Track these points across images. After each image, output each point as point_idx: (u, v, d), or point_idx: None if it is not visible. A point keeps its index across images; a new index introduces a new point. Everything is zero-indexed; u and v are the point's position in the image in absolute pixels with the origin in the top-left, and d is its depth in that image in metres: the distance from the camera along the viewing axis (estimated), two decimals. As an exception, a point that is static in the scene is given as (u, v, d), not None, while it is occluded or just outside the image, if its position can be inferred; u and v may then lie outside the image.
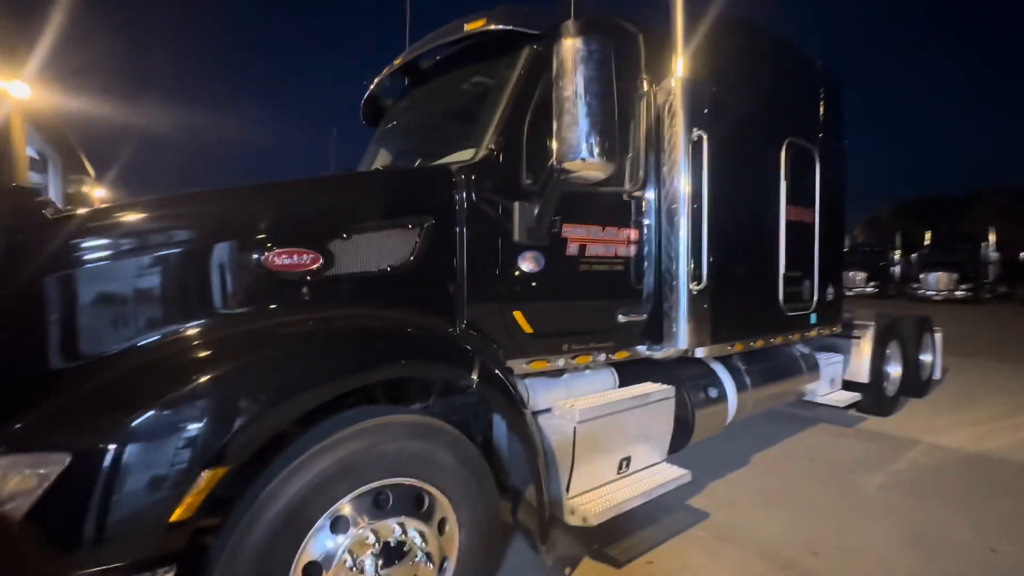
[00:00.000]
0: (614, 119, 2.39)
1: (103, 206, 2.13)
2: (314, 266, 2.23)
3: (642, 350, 3.51)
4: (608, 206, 3.28)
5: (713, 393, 3.88)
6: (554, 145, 2.42)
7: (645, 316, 3.46)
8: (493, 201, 2.73)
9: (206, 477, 1.68)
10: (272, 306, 2.13)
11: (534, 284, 2.89)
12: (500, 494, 2.55)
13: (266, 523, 1.82)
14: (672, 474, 3.27)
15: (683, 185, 3.37)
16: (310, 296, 2.23)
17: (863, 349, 5.77)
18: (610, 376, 3.51)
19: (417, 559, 2.10)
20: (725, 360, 4.19)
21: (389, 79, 3.88)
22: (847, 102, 5.19)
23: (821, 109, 4.88)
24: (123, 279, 1.87)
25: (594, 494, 2.95)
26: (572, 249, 3.04)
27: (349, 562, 1.96)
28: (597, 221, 3.17)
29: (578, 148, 2.32)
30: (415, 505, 2.17)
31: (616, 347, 3.35)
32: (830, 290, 5.03)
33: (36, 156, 9.97)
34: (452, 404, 2.71)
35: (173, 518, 1.63)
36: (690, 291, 3.42)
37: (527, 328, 2.90)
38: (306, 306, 2.19)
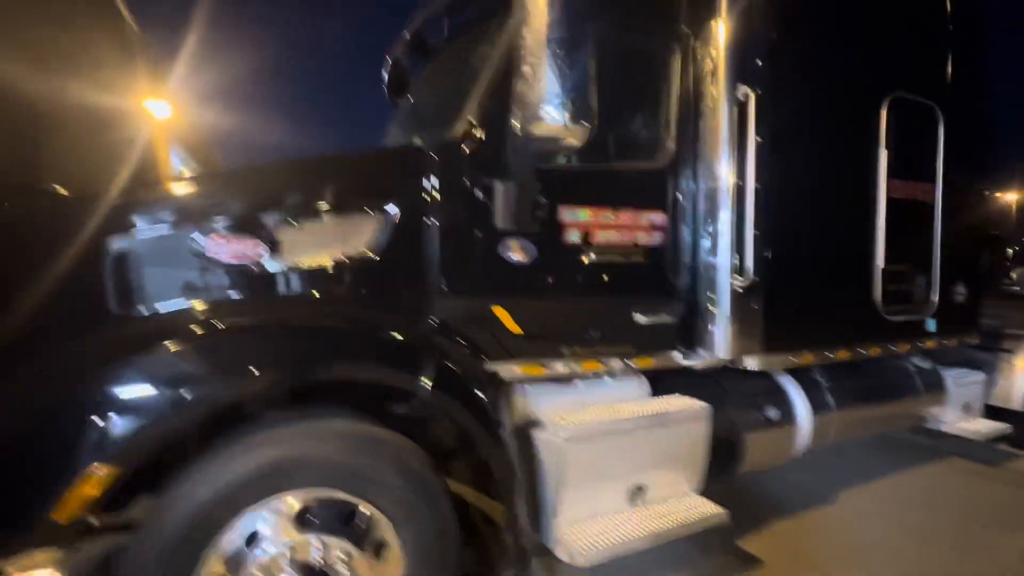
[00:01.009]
0: (589, 73, 1.92)
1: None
2: (257, 255, 2.09)
3: (675, 357, 2.93)
4: (625, 185, 2.77)
5: (773, 413, 3.15)
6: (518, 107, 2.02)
7: (676, 317, 2.88)
8: (471, 182, 2.38)
9: (94, 477, 1.58)
10: (207, 297, 2.01)
11: (522, 277, 2.50)
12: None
13: (169, 530, 1.69)
14: (702, 511, 2.67)
15: (725, 158, 2.73)
16: (252, 287, 2.09)
17: (1017, 367, 4.43)
18: (637, 386, 2.99)
19: (339, 582, 1.86)
20: (799, 373, 3.40)
21: (406, 49, 3.66)
22: (992, 44, 3.96)
23: (948, 54, 3.76)
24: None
25: (592, 526, 2.48)
26: (572, 236, 2.59)
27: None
28: (608, 203, 2.67)
29: (542, 109, 1.90)
30: (343, 523, 1.92)
31: (636, 352, 2.82)
32: (959, 289, 3.89)
33: (181, 169, 11.54)
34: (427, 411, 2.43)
35: (56, 516, 1.56)
36: (733, 288, 2.78)
37: (513, 327, 2.52)
38: (244, 298, 2.05)
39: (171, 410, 1.67)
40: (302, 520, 1.86)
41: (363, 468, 1.93)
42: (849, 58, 3.27)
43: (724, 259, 2.78)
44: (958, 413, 4.26)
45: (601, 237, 2.65)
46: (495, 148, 2.41)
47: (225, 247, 2.04)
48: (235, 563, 1.77)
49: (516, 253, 2.47)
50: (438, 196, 2.34)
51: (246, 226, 2.08)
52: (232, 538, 1.77)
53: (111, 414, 1.63)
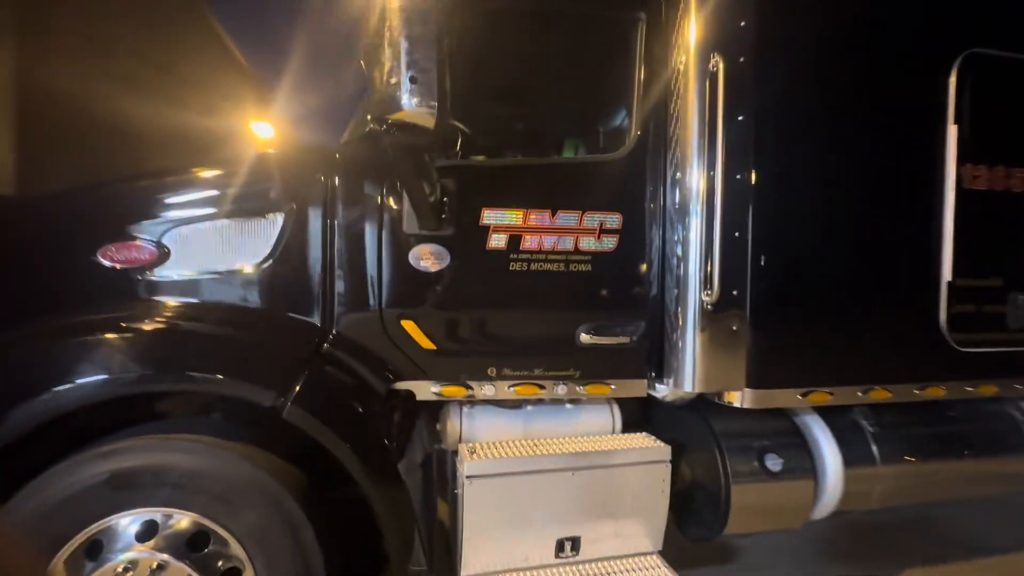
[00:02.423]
0: (435, 53, 1.61)
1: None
2: (148, 263, 2.08)
3: (636, 386, 2.45)
4: (570, 181, 2.37)
5: (773, 463, 2.49)
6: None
7: (635, 338, 2.40)
8: (373, 184, 2.18)
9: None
10: (94, 304, 2.03)
11: (435, 287, 2.23)
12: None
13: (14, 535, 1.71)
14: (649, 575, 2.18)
15: (695, 145, 2.22)
16: (140, 295, 2.08)
17: None
18: (603, 417, 2.57)
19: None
20: (837, 413, 2.67)
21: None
22: None
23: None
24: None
25: (503, 580, 2.13)
26: (497, 241, 2.26)
27: None
28: (544, 203, 2.29)
29: (389, 97, 1.63)
30: (187, 545, 1.81)
31: (584, 378, 2.40)
32: None
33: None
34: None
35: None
36: (703, 305, 2.24)
37: (425, 343, 2.26)
38: (128, 305, 2.05)
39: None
40: (146, 536, 1.78)
41: (215, 488, 1.81)
42: (890, 6, 2.50)
43: (693, 269, 2.25)
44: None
45: (534, 243, 2.28)
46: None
47: (118, 254, 2.06)
48: (75, 572, 1.74)
49: (426, 261, 2.21)
50: (340, 201, 2.17)
51: (139, 233, 2.08)
52: (71, 547, 1.74)
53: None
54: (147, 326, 1.91)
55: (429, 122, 1.61)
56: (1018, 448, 2.92)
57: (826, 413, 2.71)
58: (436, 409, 2.54)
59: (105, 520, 1.75)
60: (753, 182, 2.26)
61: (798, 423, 2.73)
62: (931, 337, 2.56)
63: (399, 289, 2.22)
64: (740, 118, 2.23)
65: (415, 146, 1.78)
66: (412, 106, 1.59)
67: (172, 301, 2.08)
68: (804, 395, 2.41)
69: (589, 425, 2.56)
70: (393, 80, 1.59)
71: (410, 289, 2.23)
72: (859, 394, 2.50)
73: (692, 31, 2.22)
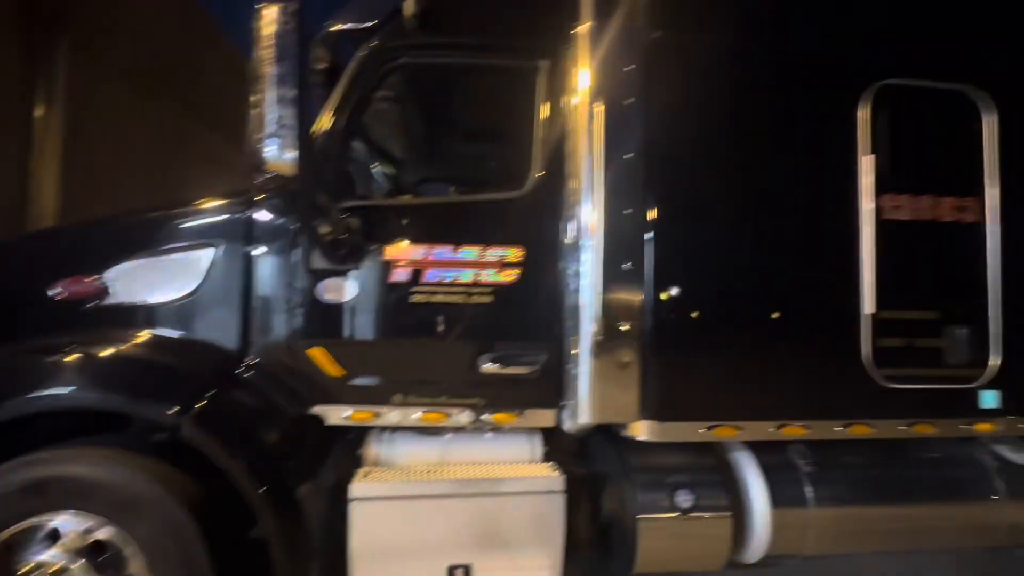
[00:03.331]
0: (293, 105, 1.82)
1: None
2: (92, 295, 2.37)
3: (542, 416, 2.50)
4: (473, 217, 2.51)
5: (684, 500, 2.43)
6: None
7: (537, 368, 2.46)
8: (288, 224, 2.40)
9: None
10: (46, 330, 2.33)
11: (341, 317, 2.40)
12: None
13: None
14: (535, 613, 2.17)
15: (587, 182, 2.31)
16: (86, 322, 2.36)
17: None
18: (525, 445, 2.61)
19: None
20: (770, 449, 2.59)
21: None
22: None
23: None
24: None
25: (391, 605, 2.18)
26: (401, 275, 2.42)
27: None
28: (448, 239, 2.44)
29: (258, 150, 1.85)
30: (89, 550, 1.99)
31: (490, 406, 2.47)
32: None
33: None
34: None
35: None
36: (594, 337, 2.28)
37: (333, 370, 2.41)
38: (70, 333, 2.31)
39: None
40: (52, 541, 1.98)
41: (113, 498, 2.00)
42: (793, 43, 2.54)
43: (586, 302, 2.31)
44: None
45: (436, 276, 2.42)
46: (313, 189, 2.41)
47: (67, 287, 2.36)
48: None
49: (332, 293, 2.39)
50: (257, 239, 2.40)
51: (86, 269, 2.38)
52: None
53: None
54: (72, 351, 2.17)
55: (289, 172, 1.81)
56: (981, 497, 2.70)
57: (761, 450, 2.63)
58: (364, 434, 2.67)
59: (18, 524, 1.97)
60: (645, 217, 2.33)
61: (730, 460, 2.66)
62: (852, 372, 2.46)
63: (307, 319, 2.40)
64: (627, 156, 2.32)
65: (289, 192, 1.98)
66: (274, 158, 1.80)
67: (110, 329, 2.35)
68: (708, 429, 2.37)
69: (507, 454, 2.60)
70: (260, 135, 1.81)
71: (318, 319, 2.40)
72: (771, 430, 2.42)
73: (581, 75, 2.35)
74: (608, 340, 2.28)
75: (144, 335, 2.34)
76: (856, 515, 2.61)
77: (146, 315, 2.38)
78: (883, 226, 2.50)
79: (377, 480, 2.25)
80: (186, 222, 2.45)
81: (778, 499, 2.54)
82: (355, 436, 2.64)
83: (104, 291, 2.37)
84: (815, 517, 2.56)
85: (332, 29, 2.56)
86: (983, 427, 2.56)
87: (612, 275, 2.28)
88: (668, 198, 2.36)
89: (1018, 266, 2.57)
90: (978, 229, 2.58)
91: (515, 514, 2.28)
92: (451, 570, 2.25)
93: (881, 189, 2.51)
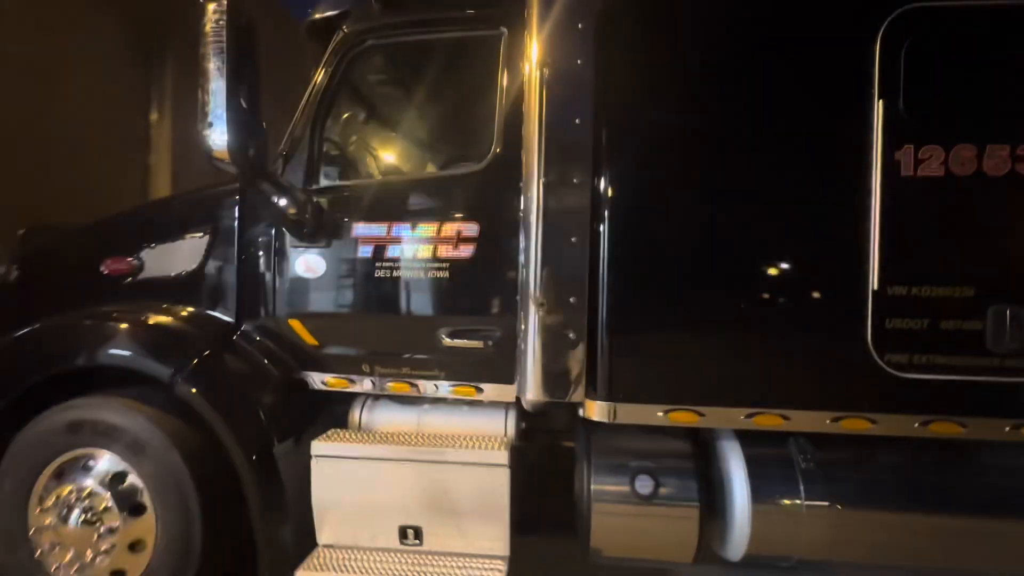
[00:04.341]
0: (234, 103, 1.97)
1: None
2: (130, 271, 2.82)
3: (500, 391, 2.50)
4: (431, 195, 2.55)
5: (644, 487, 2.29)
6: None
7: (489, 343, 2.46)
8: (271, 206, 2.61)
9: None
10: (98, 300, 2.82)
11: (314, 290, 2.60)
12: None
13: (19, 454, 2.49)
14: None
15: (534, 153, 2.23)
16: (127, 294, 2.82)
17: None
18: (499, 420, 2.66)
19: (100, 526, 2.37)
20: (765, 440, 2.35)
21: None
22: None
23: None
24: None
25: (347, 554, 2.37)
26: (364, 251, 2.54)
27: (59, 500, 2.41)
28: (407, 217, 2.51)
29: (202, 137, 2.05)
30: (111, 480, 2.42)
31: (450, 379, 2.53)
32: None
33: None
34: None
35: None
36: (539, 314, 2.22)
37: (309, 339, 2.64)
38: (119, 301, 2.78)
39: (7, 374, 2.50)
40: (86, 471, 2.45)
41: (126, 439, 2.40)
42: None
43: (533, 276, 2.24)
44: None
45: (395, 252, 2.51)
46: (293, 174, 2.62)
47: (110, 265, 2.84)
48: (48, 489, 2.47)
49: (305, 269, 2.59)
50: (246, 221, 2.67)
51: (123, 248, 2.83)
52: (50, 469, 2.47)
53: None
54: (100, 319, 2.62)
55: (226, 158, 1.99)
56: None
57: (753, 441, 2.39)
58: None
59: (65, 454, 2.45)
60: (594, 186, 2.18)
61: (716, 449, 2.46)
62: (849, 357, 2.11)
63: (288, 293, 2.63)
64: (576, 122, 2.18)
65: (251, 178, 2.17)
66: (215, 146, 1.99)
67: (138, 300, 2.78)
68: (665, 412, 2.19)
69: (481, 427, 2.65)
70: (203, 123, 2.02)
71: (296, 293, 2.63)
72: (741, 418, 2.18)
73: (533, 38, 2.24)
74: (553, 316, 2.20)
75: (161, 306, 2.74)
76: (860, 521, 2.27)
77: (165, 288, 2.77)
78: (900, 184, 2.08)
79: (336, 440, 2.44)
80: (190, 210, 2.81)
81: (761, 495, 2.29)
82: (344, 402, 2.86)
83: (138, 268, 2.81)
84: (805, 518, 2.27)
85: (310, 19, 2.72)
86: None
87: (557, 248, 2.19)
88: (620, 165, 2.18)
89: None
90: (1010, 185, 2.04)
91: (461, 484, 2.33)
92: (403, 530, 2.39)
93: (901, 141, 2.08)
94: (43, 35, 5.49)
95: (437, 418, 2.69)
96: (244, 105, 2.05)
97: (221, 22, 1.96)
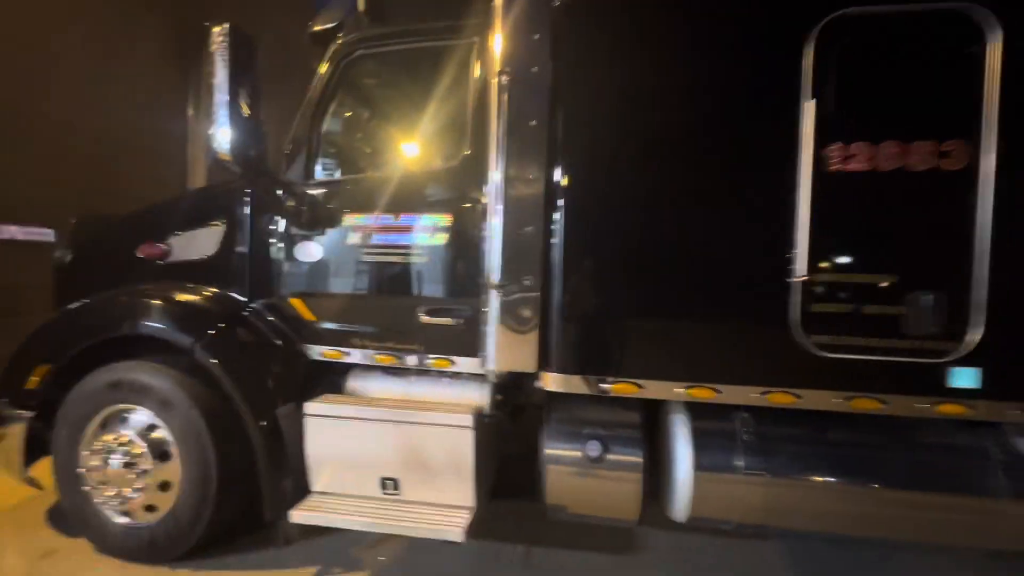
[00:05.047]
0: (235, 112, 2.33)
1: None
2: (160, 255, 3.26)
3: (471, 363, 2.81)
4: (411, 189, 2.85)
5: (592, 450, 2.56)
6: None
7: (461, 320, 2.76)
8: (274, 199, 3.00)
9: (41, 368, 3.00)
10: (137, 280, 3.28)
11: (312, 273, 2.97)
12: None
13: (72, 406, 2.98)
14: (439, 524, 2.56)
15: (496, 149, 2.50)
16: (159, 274, 3.26)
17: None
18: (476, 391, 2.97)
19: (136, 468, 2.83)
20: (713, 413, 2.59)
21: None
22: None
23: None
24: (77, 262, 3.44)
25: (334, 500, 2.75)
26: (355, 238, 2.89)
27: (103, 446, 2.89)
28: (391, 208, 2.83)
29: (209, 139, 2.42)
30: (145, 430, 2.88)
31: (428, 352, 2.86)
32: None
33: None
34: None
35: (27, 386, 3.02)
36: (499, 294, 2.51)
37: (308, 315, 3.01)
38: (153, 281, 3.22)
39: (64, 341, 2.98)
40: (125, 423, 2.91)
41: (157, 397, 2.85)
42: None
43: (495, 260, 2.52)
44: None
45: (381, 239, 2.84)
46: (297, 169, 2.98)
47: (144, 249, 3.29)
48: (95, 436, 2.95)
49: (304, 254, 2.96)
50: (257, 212, 3.05)
51: (155, 235, 3.27)
52: (96, 419, 2.94)
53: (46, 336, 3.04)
54: (135, 295, 3.06)
55: (229, 159, 2.35)
56: (981, 489, 2.35)
57: (701, 414, 2.62)
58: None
59: (108, 408, 2.92)
60: (548, 182, 2.44)
61: (668, 420, 2.70)
62: (776, 337, 2.31)
63: (290, 275, 3.01)
64: (532, 123, 2.44)
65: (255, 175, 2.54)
66: (218, 148, 2.36)
67: (167, 280, 3.22)
68: (609, 383, 2.46)
69: (459, 396, 2.96)
70: (210, 129, 2.38)
71: (297, 275, 3.00)
72: (678, 390, 2.41)
73: (494, 45, 2.50)
74: (511, 296, 2.48)
75: (186, 285, 3.16)
76: (793, 490, 2.47)
77: (190, 270, 3.20)
78: (828, 179, 2.25)
79: (326, 402, 2.81)
80: (209, 202, 3.22)
81: (702, 463, 2.53)
82: (341, 373, 3.23)
83: (166, 253, 3.25)
84: (742, 485, 2.49)
85: (310, 31, 3.05)
86: (951, 408, 2.22)
87: (515, 237, 2.46)
88: (571, 162, 2.43)
89: (1014, 220, 2.11)
90: (966, 178, 2.17)
91: (432, 443, 2.66)
92: (383, 480, 2.75)
93: (829, 138, 2.25)
94: (92, 39, 6.08)
95: (421, 388, 3.02)
96: (246, 113, 2.41)
97: (224, 44, 2.32)
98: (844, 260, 2.26)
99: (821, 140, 2.24)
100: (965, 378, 2.19)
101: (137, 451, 2.86)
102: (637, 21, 2.40)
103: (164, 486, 2.88)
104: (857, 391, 2.28)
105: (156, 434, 2.89)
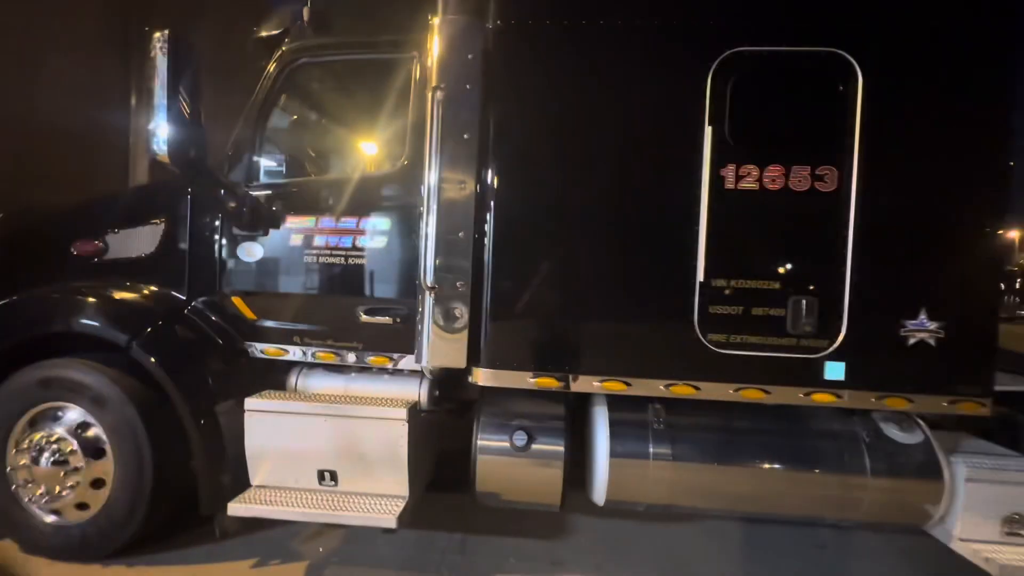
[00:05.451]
0: (174, 114, 2.41)
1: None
2: (96, 253, 3.25)
3: (408, 360, 2.97)
4: (353, 193, 2.98)
5: (519, 440, 2.78)
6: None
7: (397, 319, 2.92)
8: (216, 199, 3.06)
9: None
10: (70, 277, 3.25)
11: (253, 272, 3.05)
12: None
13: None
14: (374, 513, 2.71)
15: (430, 158, 2.67)
16: (94, 272, 3.24)
17: None
18: (414, 387, 3.11)
19: (67, 466, 2.83)
20: (629, 405, 2.83)
21: None
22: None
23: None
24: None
25: (271, 492, 2.85)
26: (296, 240, 2.99)
27: (32, 445, 2.86)
28: (330, 210, 2.96)
29: (151, 142, 2.49)
30: (76, 428, 2.88)
31: (365, 348, 3.00)
32: (913, 322, 2.49)
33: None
34: None
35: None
36: (431, 295, 2.68)
37: (249, 314, 3.09)
38: (87, 278, 3.20)
39: None
40: (55, 421, 2.90)
41: (91, 394, 2.85)
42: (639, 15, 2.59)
43: (428, 263, 2.70)
44: (989, 526, 2.68)
45: (321, 241, 2.96)
46: (237, 171, 3.05)
47: (80, 246, 3.26)
48: (23, 435, 2.91)
49: (246, 253, 3.04)
50: (198, 210, 3.10)
51: (91, 232, 3.25)
52: (25, 418, 2.91)
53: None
54: (68, 292, 3.05)
55: (167, 160, 2.43)
56: (850, 469, 2.70)
57: (620, 406, 2.88)
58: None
59: (37, 407, 2.90)
60: (476, 192, 2.64)
61: (590, 412, 2.94)
62: (679, 336, 2.59)
63: (232, 274, 3.08)
64: (465, 136, 2.63)
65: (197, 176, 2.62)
66: (157, 149, 2.43)
67: (104, 278, 3.20)
68: (532, 377, 2.68)
69: (398, 393, 3.10)
70: (149, 130, 2.45)
71: (239, 274, 3.07)
72: (594, 384, 2.66)
73: (432, 63, 2.68)
74: (443, 297, 2.66)
75: (123, 283, 3.16)
76: (697, 474, 2.77)
77: (128, 268, 3.20)
78: (724, 196, 2.55)
79: (266, 398, 2.90)
80: (150, 199, 3.24)
81: (617, 450, 2.79)
82: (285, 371, 3.31)
83: (103, 250, 3.24)
84: (653, 470, 2.77)
85: (255, 37, 3.14)
86: (823, 397, 2.57)
87: (447, 242, 2.65)
88: (499, 174, 2.64)
89: (874, 236, 2.48)
90: (837, 198, 2.52)
91: (368, 436, 2.80)
92: (321, 473, 2.86)
93: (725, 160, 2.55)
94: (25, 24, 5.83)
95: (362, 384, 3.15)
96: (186, 115, 2.48)
97: (164, 49, 2.39)
98: (736, 267, 2.57)
99: (719, 161, 2.55)
100: (833, 371, 2.54)
101: (68, 449, 2.86)
102: (563, 48, 2.63)
103: (97, 483, 2.88)
104: (745, 382, 2.59)
105: (89, 432, 2.89)
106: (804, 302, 2.53)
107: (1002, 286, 2.71)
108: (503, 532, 3.33)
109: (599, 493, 2.86)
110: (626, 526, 3.46)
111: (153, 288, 3.16)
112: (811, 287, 2.54)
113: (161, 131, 2.43)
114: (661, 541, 3.38)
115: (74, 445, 2.86)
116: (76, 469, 2.85)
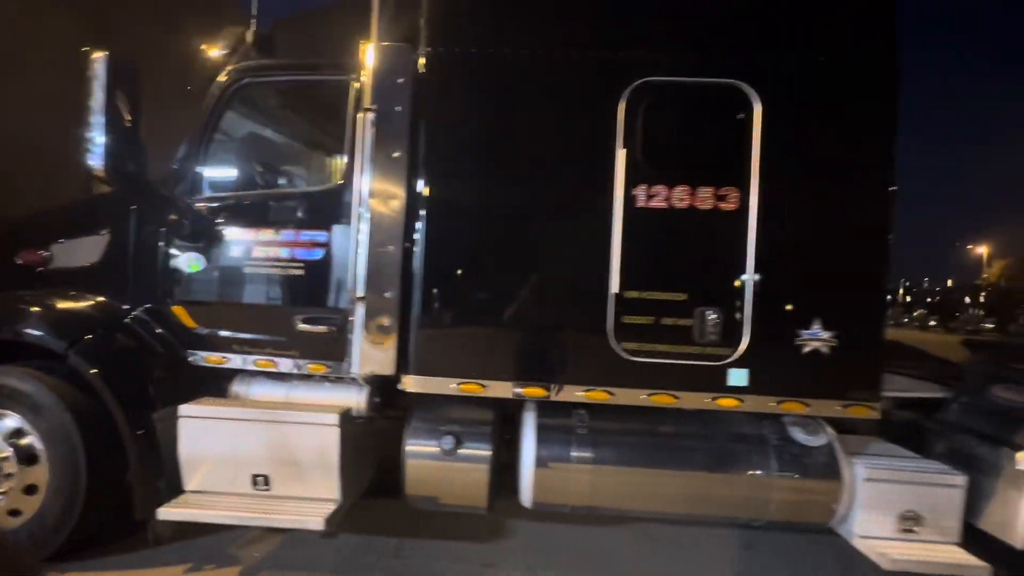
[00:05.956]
0: (112, 131, 2.53)
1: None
2: (41, 262, 3.31)
3: (340, 367, 3.07)
4: (294, 207, 3.11)
5: (446, 444, 2.90)
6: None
7: (333, 329, 3.03)
8: (158, 211, 3.16)
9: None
10: (13, 286, 3.30)
11: (194, 282, 3.15)
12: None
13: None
14: (303, 515, 2.79)
15: (357, 175, 2.82)
16: (38, 281, 3.30)
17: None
18: (354, 394, 3.20)
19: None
20: (555, 411, 2.96)
21: None
22: None
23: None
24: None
25: (205, 497, 2.91)
26: (236, 251, 3.10)
27: None
28: (271, 224, 3.09)
29: (85, 157, 2.60)
30: (11, 435, 2.92)
31: (303, 357, 3.10)
32: (809, 332, 2.69)
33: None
34: None
35: None
36: (362, 305, 2.81)
37: (190, 322, 3.17)
38: (31, 288, 3.26)
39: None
40: (-11, 426, 2.94)
41: (28, 401, 2.90)
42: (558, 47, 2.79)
43: (359, 274, 2.83)
44: (886, 523, 2.86)
45: (261, 252, 3.07)
46: (179, 185, 3.16)
47: (24, 256, 3.32)
48: (-42, 444, 2.95)
49: (187, 264, 3.14)
50: (140, 222, 3.20)
51: (35, 242, 3.32)
52: None
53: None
54: (7, 300, 3.10)
55: (102, 175, 2.54)
56: (755, 469, 2.87)
57: (548, 412, 3.01)
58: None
59: (-28, 411, 2.94)
60: (405, 207, 2.79)
61: (521, 418, 3.07)
62: (595, 344, 2.75)
63: (173, 284, 3.17)
64: (395, 155, 2.79)
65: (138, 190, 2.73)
66: (93, 164, 2.54)
67: (51, 286, 3.26)
68: (458, 384, 2.81)
69: (338, 399, 3.20)
70: (85, 147, 2.55)
71: (180, 284, 3.16)
72: (516, 390, 2.80)
73: (364, 86, 2.84)
74: (372, 307, 2.79)
75: (66, 292, 3.23)
76: (615, 475, 2.91)
77: (72, 278, 3.27)
78: (635, 214, 2.74)
79: (200, 404, 2.98)
80: (94, 211, 3.32)
81: (542, 455, 2.92)
82: (229, 378, 3.37)
83: (48, 260, 3.31)
84: (575, 473, 2.90)
85: (201, 57, 3.27)
86: (727, 402, 2.74)
87: (377, 255, 2.79)
88: (426, 191, 2.79)
89: (771, 252, 2.68)
90: (738, 217, 2.72)
91: (301, 441, 2.89)
92: (254, 477, 2.94)
93: (636, 180, 2.74)
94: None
95: (303, 391, 3.24)
96: (126, 131, 2.60)
97: (102, 69, 2.51)
98: (648, 280, 2.74)
99: (631, 181, 2.73)
100: (737, 377, 2.72)
101: (1, 455, 2.90)
102: (487, 74, 2.81)
103: (30, 490, 2.92)
104: (657, 388, 2.76)
105: (24, 439, 2.94)
106: (709, 313, 2.72)
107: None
108: (439, 536, 3.43)
109: (526, 496, 2.98)
110: (559, 528, 3.57)
111: (96, 297, 3.23)
112: (716, 299, 2.72)
113: (97, 148, 2.53)
114: (591, 543, 3.51)
115: (7, 452, 2.90)
116: (8, 475, 2.89)
